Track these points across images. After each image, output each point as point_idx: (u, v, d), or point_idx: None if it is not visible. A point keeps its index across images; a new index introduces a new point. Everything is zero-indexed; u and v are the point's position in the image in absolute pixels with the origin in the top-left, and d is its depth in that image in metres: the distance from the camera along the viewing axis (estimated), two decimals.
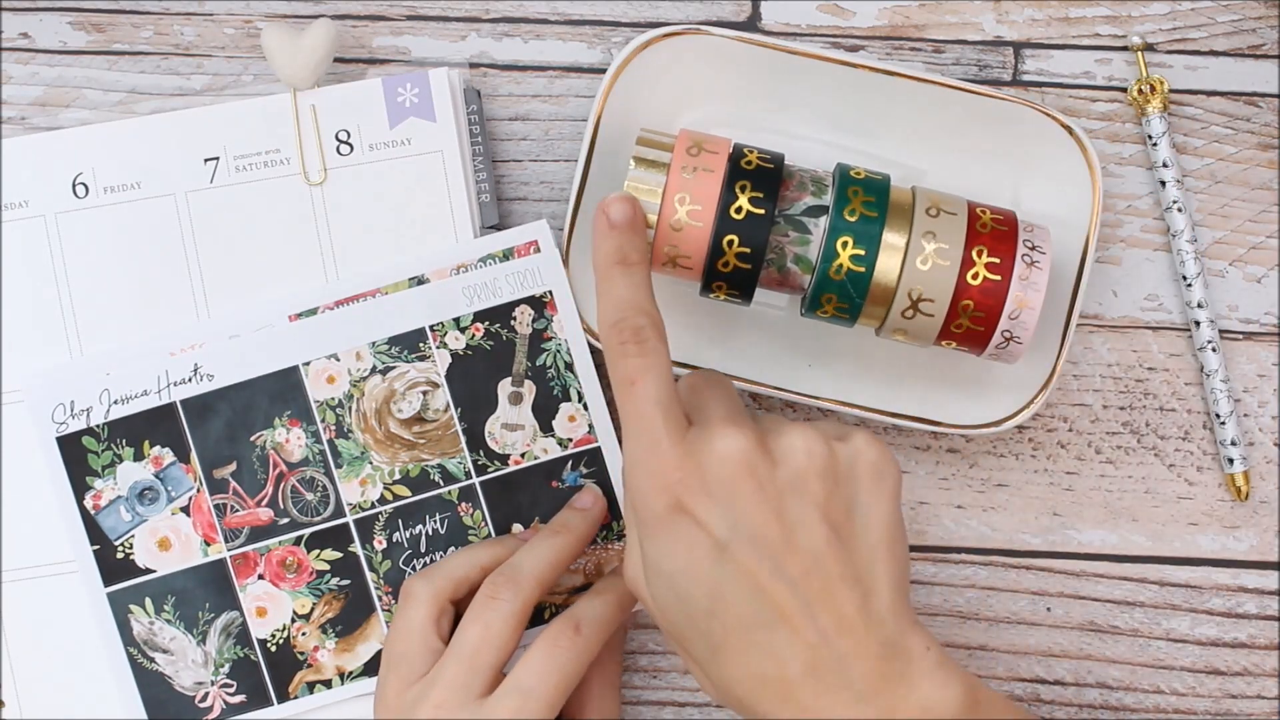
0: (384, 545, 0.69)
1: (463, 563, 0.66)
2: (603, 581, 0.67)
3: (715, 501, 0.53)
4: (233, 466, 0.69)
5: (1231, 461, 0.71)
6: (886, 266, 0.62)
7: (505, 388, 0.69)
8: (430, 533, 0.69)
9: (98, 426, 0.69)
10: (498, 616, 0.62)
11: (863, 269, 0.62)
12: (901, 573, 0.56)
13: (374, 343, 0.69)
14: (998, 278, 0.62)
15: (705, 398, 0.58)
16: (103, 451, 0.69)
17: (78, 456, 0.69)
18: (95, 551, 0.69)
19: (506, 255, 0.69)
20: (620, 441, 0.57)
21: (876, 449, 0.56)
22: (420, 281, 0.69)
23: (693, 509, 0.54)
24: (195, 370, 0.69)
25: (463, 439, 0.69)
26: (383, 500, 0.69)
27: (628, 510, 0.57)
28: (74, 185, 0.70)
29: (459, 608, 0.65)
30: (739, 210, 0.62)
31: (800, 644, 0.53)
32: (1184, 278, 0.71)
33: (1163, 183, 0.70)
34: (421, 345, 0.69)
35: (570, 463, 0.70)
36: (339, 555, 0.69)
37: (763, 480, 0.54)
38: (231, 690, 0.69)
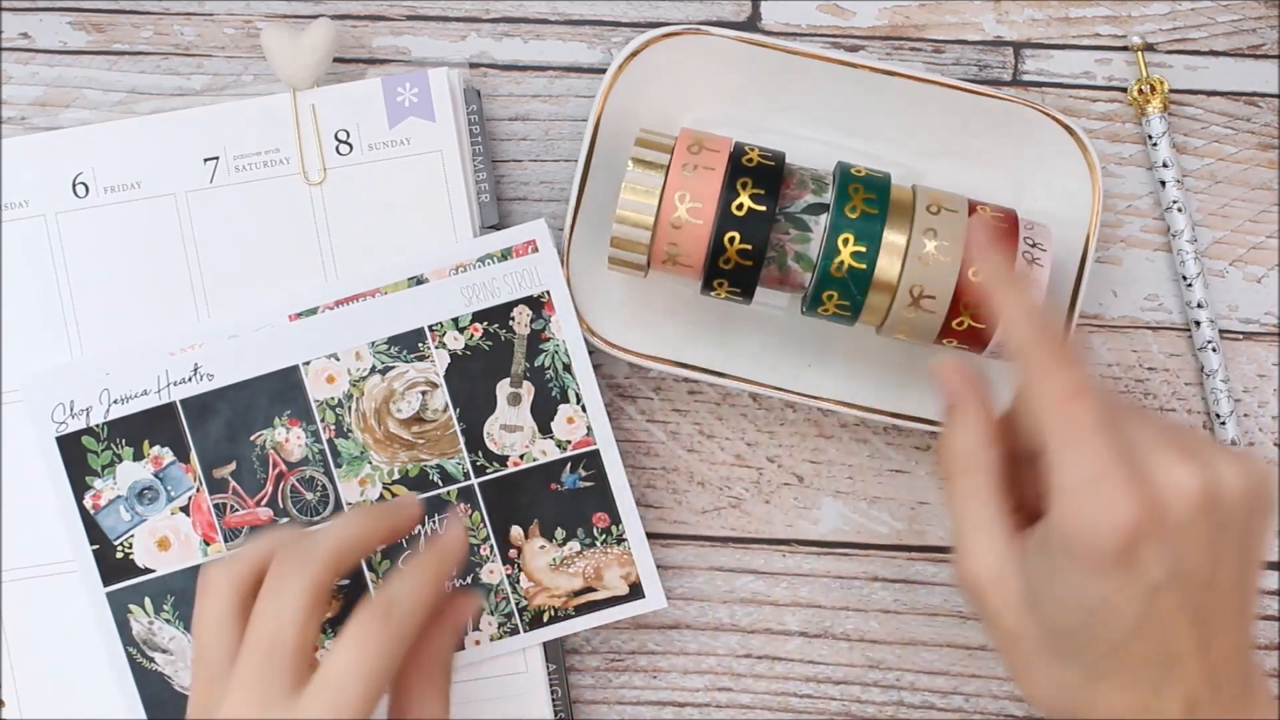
0: (384, 546, 0.69)
1: (262, 545, 0.60)
2: (416, 559, 0.61)
3: (1166, 544, 0.50)
4: (232, 466, 0.69)
5: None
6: (887, 263, 0.62)
7: (504, 388, 0.69)
8: (429, 533, 0.69)
9: (97, 426, 0.69)
10: (288, 598, 0.56)
11: (864, 266, 0.62)
12: (1255, 602, 0.55)
13: (373, 342, 0.69)
14: None
15: (1130, 418, 0.54)
16: (102, 451, 0.69)
17: (77, 456, 0.69)
18: (95, 551, 0.69)
19: (505, 255, 0.69)
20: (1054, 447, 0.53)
21: (1273, 480, 0.54)
22: (419, 281, 0.69)
23: (1144, 551, 0.50)
24: (195, 370, 0.68)
25: (461, 439, 0.69)
26: (382, 500, 0.69)
27: (1047, 531, 0.53)
28: (74, 185, 0.70)
29: None
30: (740, 207, 0.62)
31: (1187, 683, 0.52)
32: (1184, 278, 0.71)
33: (1163, 183, 0.71)
34: (420, 345, 0.69)
35: (569, 465, 0.69)
36: None
37: (1211, 516, 0.51)
38: None
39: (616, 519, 0.70)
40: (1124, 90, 0.72)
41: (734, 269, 0.63)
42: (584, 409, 0.69)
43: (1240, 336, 0.72)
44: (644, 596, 0.70)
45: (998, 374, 0.69)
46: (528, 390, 0.69)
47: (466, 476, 0.69)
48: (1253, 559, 0.54)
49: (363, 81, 0.70)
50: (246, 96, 0.71)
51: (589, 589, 0.70)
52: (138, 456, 0.69)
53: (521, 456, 0.69)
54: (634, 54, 0.67)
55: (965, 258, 0.62)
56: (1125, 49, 0.72)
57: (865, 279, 0.63)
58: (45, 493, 0.69)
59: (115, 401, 0.68)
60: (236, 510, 0.69)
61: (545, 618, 0.70)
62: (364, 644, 0.55)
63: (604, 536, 0.70)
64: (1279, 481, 0.54)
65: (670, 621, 0.72)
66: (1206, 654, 0.52)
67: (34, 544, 0.69)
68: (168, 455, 0.69)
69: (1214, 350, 0.70)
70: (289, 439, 0.69)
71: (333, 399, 0.69)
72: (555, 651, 0.71)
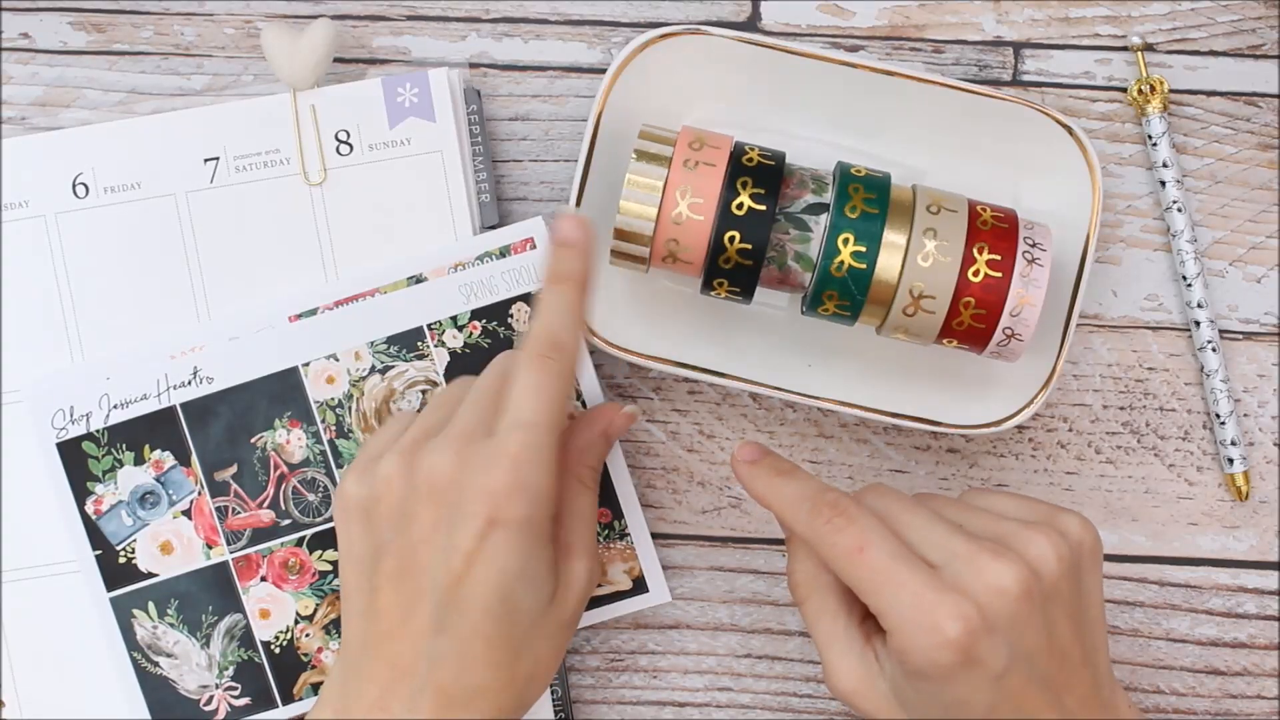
0: None
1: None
2: (545, 291, 0.61)
3: (999, 637, 0.54)
4: (233, 469, 0.69)
5: (1231, 461, 0.71)
6: (888, 264, 0.62)
7: None
8: None
9: (98, 431, 0.69)
10: (550, 376, 0.59)
11: (864, 266, 0.62)
12: (1106, 636, 0.59)
13: (373, 342, 0.69)
14: (999, 274, 0.62)
15: (929, 527, 0.58)
16: (103, 456, 0.69)
17: (78, 462, 0.69)
18: (97, 557, 0.69)
19: (504, 253, 0.69)
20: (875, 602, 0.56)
21: (1091, 531, 0.58)
22: (418, 280, 0.69)
23: (981, 651, 0.53)
24: (195, 373, 0.68)
25: None
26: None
27: (891, 652, 0.56)
28: (74, 185, 0.69)
29: None
30: (740, 206, 0.62)
31: None
32: (1184, 278, 0.71)
33: (1163, 183, 0.71)
34: (420, 344, 0.69)
35: None
36: None
37: (1034, 600, 0.54)
38: (236, 693, 0.69)
39: (619, 513, 0.70)
40: (1124, 90, 0.72)
41: (734, 269, 0.63)
42: (584, 405, 0.69)
43: (1240, 336, 0.72)
44: (648, 590, 0.71)
45: (1003, 370, 0.69)
46: None
47: None
48: (1088, 607, 0.58)
49: (363, 81, 0.70)
50: (246, 96, 0.71)
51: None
52: (138, 461, 0.69)
53: None
54: (634, 54, 0.67)
55: (966, 258, 0.62)
56: (1125, 49, 0.72)
57: (865, 279, 0.63)
58: (46, 497, 0.69)
59: (115, 406, 0.68)
60: (239, 513, 0.69)
61: None
62: (537, 375, 0.58)
63: (606, 532, 0.70)
64: (1099, 538, 0.59)
65: (670, 621, 0.72)
66: (1062, 708, 0.55)
67: (34, 545, 0.69)
68: (169, 459, 0.69)
69: (1214, 350, 0.70)
70: (290, 440, 0.69)
71: (333, 399, 0.69)
72: None
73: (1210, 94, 0.72)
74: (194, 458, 0.69)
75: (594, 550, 0.63)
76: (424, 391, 0.69)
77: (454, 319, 0.69)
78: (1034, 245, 0.63)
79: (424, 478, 0.58)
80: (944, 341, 0.65)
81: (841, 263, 0.62)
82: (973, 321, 0.63)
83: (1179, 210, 0.70)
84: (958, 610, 0.53)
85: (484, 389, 0.61)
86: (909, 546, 0.56)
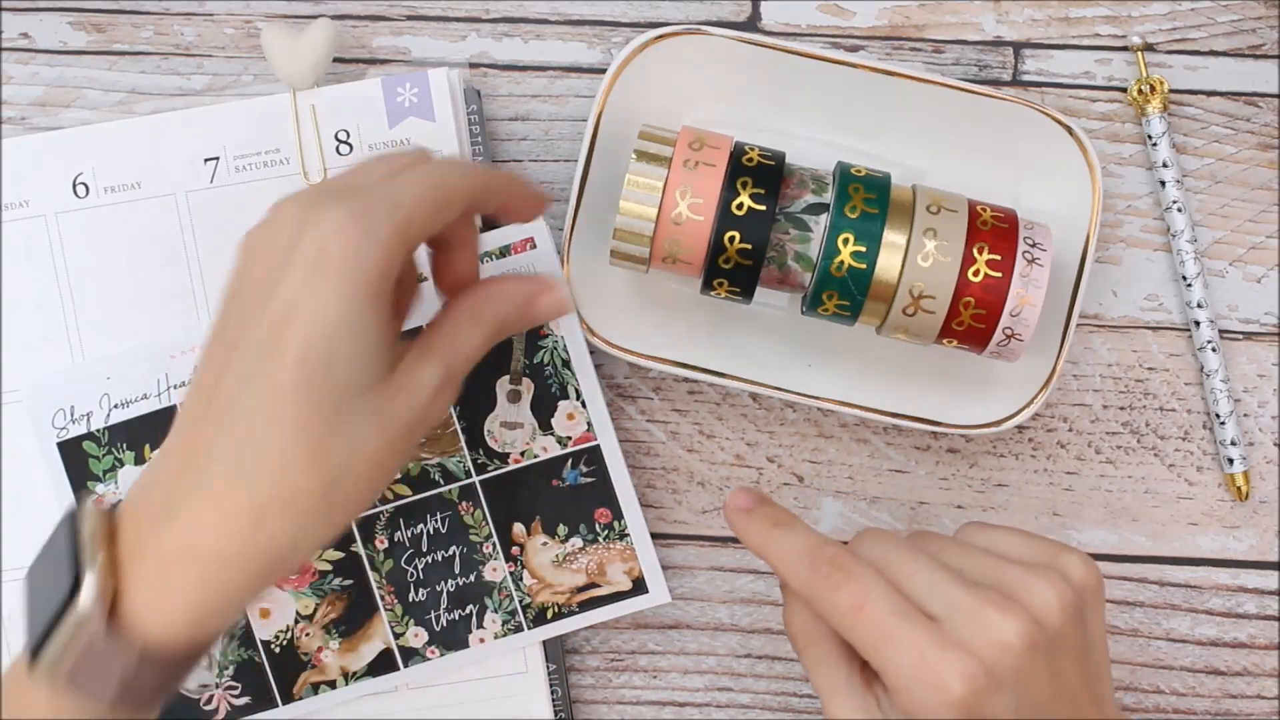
0: (385, 545, 0.69)
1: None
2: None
3: (1005, 690, 0.52)
4: None
5: (1231, 461, 0.71)
6: (888, 263, 0.62)
7: (503, 386, 0.69)
8: (431, 532, 0.69)
9: (98, 431, 0.68)
10: (444, 177, 0.55)
11: (864, 266, 0.62)
12: (1110, 670, 0.58)
13: None
14: (999, 274, 0.62)
15: (907, 571, 0.56)
16: (103, 456, 0.69)
17: (79, 461, 0.69)
18: None
19: (504, 252, 0.69)
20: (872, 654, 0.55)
21: (1094, 571, 0.57)
22: (419, 280, 0.69)
23: (987, 705, 0.52)
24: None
25: (462, 438, 0.69)
26: (384, 500, 0.69)
27: (894, 706, 0.55)
28: (74, 185, 0.69)
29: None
30: (740, 206, 0.62)
31: None
32: (1184, 278, 0.71)
33: (1163, 183, 0.71)
34: None
35: (570, 461, 0.70)
36: (341, 555, 0.69)
37: (1039, 651, 0.53)
38: (236, 692, 0.69)
39: (619, 514, 0.70)
40: (1124, 90, 0.72)
41: (734, 268, 0.63)
42: (584, 405, 0.69)
43: (1240, 336, 0.72)
44: (647, 591, 0.71)
45: (1003, 370, 0.69)
46: (527, 387, 0.69)
47: (468, 475, 0.69)
48: (1093, 648, 0.57)
49: (363, 81, 0.70)
50: (246, 96, 0.71)
51: (592, 585, 0.70)
52: (139, 460, 0.69)
53: (522, 454, 0.69)
54: (634, 54, 0.67)
55: (966, 258, 0.62)
56: (1125, 49, 0.72)
57: (865, 279, 0.63)
58: (47, 497, 0.69)
59: (116, 406, 0.68)
60: None
61: (549, 615, 0.70)
62: (431, 169, 0.55)
63: (606, 532, 0.70)
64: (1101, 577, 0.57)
65: (670, 621, 0.72)
66: None
67: (35, 545, 0.69)
68: None
69: (1214, 350, 0.70)
70: None
71: None
72: (555, 651, 0.71)
73: (1210, 94, 0.72)
74: None
75: (453, 371, 0.56)
76: None
77: None
78: (1034, 245, 0.63)
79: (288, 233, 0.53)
80: (944, 341, 0.65)
81: (841, 263, 0.62)
82: (973, 321, 0.63)
83: (1179, 210, 0.70)
84: (962, 668, 0.52)
85: (385, 161, 0.56)
86: (909, 599, 0.55)
